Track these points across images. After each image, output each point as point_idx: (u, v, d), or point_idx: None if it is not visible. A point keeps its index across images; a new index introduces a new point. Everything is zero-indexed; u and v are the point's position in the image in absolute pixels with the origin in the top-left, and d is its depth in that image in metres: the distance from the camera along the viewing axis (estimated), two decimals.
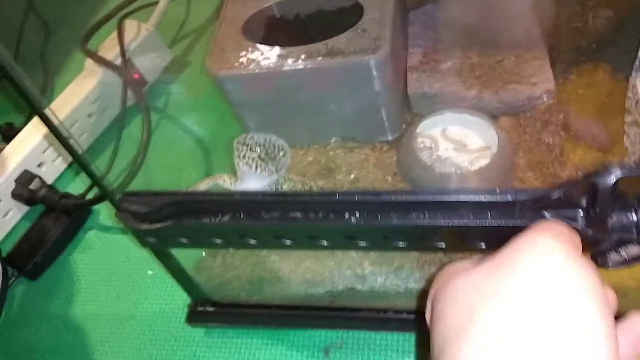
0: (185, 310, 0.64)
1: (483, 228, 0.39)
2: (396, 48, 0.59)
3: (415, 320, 0.55)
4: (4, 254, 0.72)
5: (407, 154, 0.61)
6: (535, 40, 0.65)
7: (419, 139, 0.62)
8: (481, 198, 0.38)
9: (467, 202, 0.38)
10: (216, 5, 0.87)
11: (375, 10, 0.58)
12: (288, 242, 0.44)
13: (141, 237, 0.46)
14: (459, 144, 0.62)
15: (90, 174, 0.45)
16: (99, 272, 0.72)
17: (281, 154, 0.49)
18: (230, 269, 0.57)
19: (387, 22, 0.57)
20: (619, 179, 0.35)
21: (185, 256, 0.56)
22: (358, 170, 0.62)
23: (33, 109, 0.41)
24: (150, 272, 0.70)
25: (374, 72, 0.56)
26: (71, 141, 0.44)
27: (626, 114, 0.53)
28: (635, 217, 0.38)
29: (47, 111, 0.43)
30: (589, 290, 0.30)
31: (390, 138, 0.64)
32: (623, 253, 0.40)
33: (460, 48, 0.66)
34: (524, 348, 0.28)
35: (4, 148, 0.79)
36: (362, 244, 0.43)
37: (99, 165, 0.78)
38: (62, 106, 0.78)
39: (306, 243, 0.44)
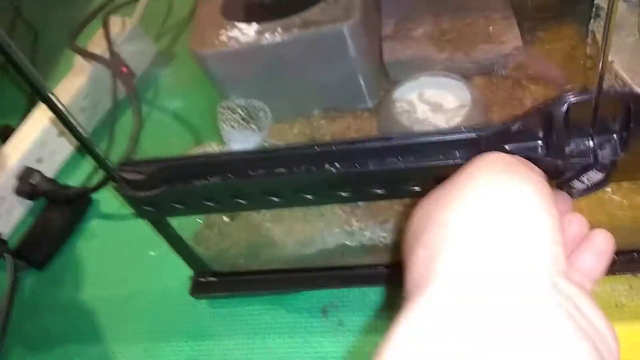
0: (188, 284, 0.67)
1: (453, 167, 0.42)
2: (368, 16, 0.62)
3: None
4: (12, 248, 0.75)
5: (387, 119, 0.64)
6: (502, 2, 0.68)
7: (398, 104, 0.65)
8: (447, 137, 0.41)
9: (435, 142, 0.41)
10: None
11: None
12: (276, 199, 0.47)
13: (138, 206, 0.49)
14: (435, 106, 0.64)
15: (94, 154, 0.47)
16: (103, 258, 0.75)
17: (261, 113, 0.52)
18: (227, 237, 0.61)
19: None
20: (571, 105, 0.39)
21: (184, 228, 0.59)
22: (342, 138, 0.65)
23: (37, 93, 0.44)
24: (152, 253, 0.73)
25: (348, 40, 0.59)
26: (74, 123, 0.47)
27: (587, 59, 0.56)
28: (592, 143, 0.41)
29: (50, 95, 0.45)
30: (536, 190, 0.33)
31: (370, 105, 0.67)
32: (585, 180, 0.43)
33: (431, 15, 0.69)
34: (476, 241, 0.31)
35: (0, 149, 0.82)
36: (344, 194, 0.46)
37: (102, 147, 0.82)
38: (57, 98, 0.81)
39: (293, 198, 0.47)
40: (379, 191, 0.45)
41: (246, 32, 0.61)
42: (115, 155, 0.77)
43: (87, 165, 0.83)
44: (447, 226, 0.32)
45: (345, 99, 0.66)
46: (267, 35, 0.60)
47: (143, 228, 0.74)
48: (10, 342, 0.71)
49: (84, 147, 0.47)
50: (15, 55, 0.41)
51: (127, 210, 0.77)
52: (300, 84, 0.64)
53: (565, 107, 0.38)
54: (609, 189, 0.55)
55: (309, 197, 0.47)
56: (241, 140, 0.52)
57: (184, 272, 0.69)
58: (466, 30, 0.67)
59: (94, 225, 0.78)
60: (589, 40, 0.55)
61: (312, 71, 0.63)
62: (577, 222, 0.38)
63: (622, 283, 0.56)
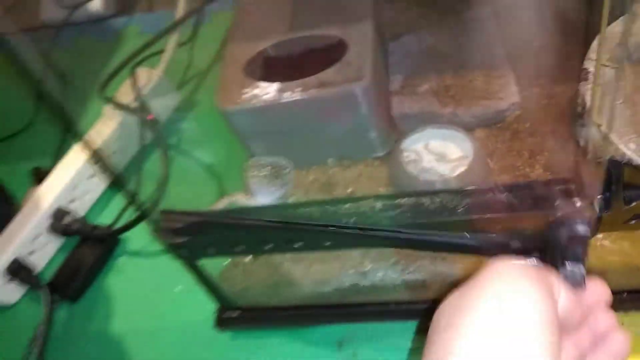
0: (212, 318, 0.72)
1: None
2: (378, 76, 0.69)
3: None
4: (46, 282, 0.81)
5: (396, 167, 0.70)
6: (500, 61, 0.75)
7: (405, 154, 0.71)
8: (453, 240, 0.47)
9: (439, 242, 0.48)
10: (215, 50, 0.97)
11: (357, 45, 0.68)
12: (296, 246, 0.53)
13: (175, 250, 0.54)
14: (440, 155, 0.70)
15: (129, 193, 0.53)
16: (131, 293, 0.80)
17: (286, 171, 0.58)
18: (250, 275, 0.66)
19: (368, 54, 0.67)
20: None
21: (211, 267, 0.64)
22: (354, 184, 0.71)
23: (76, 134, 0.50)
24: (178, 289, 0.78)
25: (360, 98, 0.65)
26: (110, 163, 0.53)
27: (578, 118, 0.62)
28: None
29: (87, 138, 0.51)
30: (537, 310, 0.37)
31: (381, 154, 0.73)
32: None
33: (435, 72, 0.76)
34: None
35: (34, 191, 0.89)
36: (355, 247, 0.52)
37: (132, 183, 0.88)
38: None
39: (313, 245, 0.53)
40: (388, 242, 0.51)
41: (267, 90, 0.67)
42: (143, 194, 0.84)
43: (116, 205, 0.89)
44: (454, 345, 0.37)
45: (358, 148, 0.73)
46: (286, 93, 0.66)
47: (169, 265, 0.80)
48: None
49: (126, 192, 0.53)
50: (56, 101, 0.47)
51: (154, 248, 0.84)
52: (316, 137, 0.70)
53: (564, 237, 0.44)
54: (600, 235, 0.60)
55: (327, 244, 0.52)
56: (266, 194, 0.58)
57: (207, 307, 0.75)
58: (468, 87, 0.73)
59: (122, 261, 0.84)
60: (579, 100, 0.62)
61: (327, 126, 0.69)
62: (603, 318, 0.43)
63: None
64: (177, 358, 0.72)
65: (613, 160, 0.44)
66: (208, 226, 0.52)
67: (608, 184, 0.45)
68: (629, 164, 0.46)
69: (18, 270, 0.81)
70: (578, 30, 0.67)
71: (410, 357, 0.64)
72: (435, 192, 0.49)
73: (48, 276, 0.83)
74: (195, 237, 0.53)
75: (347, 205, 0.51)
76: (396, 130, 0.75)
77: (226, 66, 0.72)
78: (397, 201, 0.50)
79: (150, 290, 0.80)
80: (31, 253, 0.84)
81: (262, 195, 0.58)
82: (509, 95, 0.71)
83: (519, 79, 0.73)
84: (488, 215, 0.48)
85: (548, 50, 0.73)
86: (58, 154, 0.97)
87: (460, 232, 0.49)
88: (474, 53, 0.76)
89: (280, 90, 0.67)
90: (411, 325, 0.66)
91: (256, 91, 0.68)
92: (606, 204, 0.45)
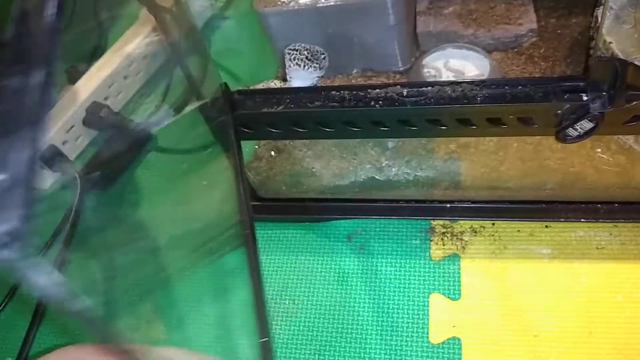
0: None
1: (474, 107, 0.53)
2: None
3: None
4: (78, 170, 0.86)
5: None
6: None
7: (426, 69, 0.76)
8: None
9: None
10: None
11: None
12: (327, 129, 0.59)
13: (222, 126, 0.60)
14: (458, 73, 0.75)
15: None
16: (159, 184, 0.86)
17: (322, 56, 0.63)
18: (273, 167, 0.72)
19: None
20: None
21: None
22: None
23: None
24: (204, 183, 0.84)
25: (390, 8, 0.70)
26: None
27: (590, 41, 0.67)
28: (585, 97, 0.52)
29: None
30: None
31: (401, 69, 0.78)
32: (579, 128, 0.54)
33: None
34: None
35: (70, 89, 0.93)
36: (384, 129, 0.57)
37: (157, 95, 0.93)
38: (122, 47, 0.93)
39: (342, 130, 0.58)
40: (413, 128, 0.56)
41: None
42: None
43: (148, 105, 0.94)
44: None
45: (381, 61, 0.78)
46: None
47: (196, 161, 0.86)
48: (74, 250, 0.82)
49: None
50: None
51: (183, 145, 0.89)
52: (344, 44, 0.75)
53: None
54: (599, 150, 0.66)
55: (356, 129, 0.58)
56: (303, 77, 0.63)
57: (227, 201, 0.81)
58: (490, 12, 0.78)
59: (151, 156, 0.89)
60: (592, 23, 0.66)
61: (356, 34, 0.74)
62: None
63: (604, 230, 0.67)
64: (199, 241, 0.78)
65: (620, 59, 0.49)
66: (271, 100, 0.57)
67: (613, 81, 0.50)
68: (634, 63, 0.51)
69: (53, 157, 0.86)
70: None
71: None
72: (457, 82, 0.54)
73: (79, 166, 0.89)
74: (248, 114, 0.58)
75: (376, 91, 0.56)
76: (418, 48, 0.80)
77: None
78: (422, 89, 0.55)
79: (178, 183, 0.85)
80: (64, 143, 0.89)
81: (298, 79, 0.63)
82: (528, 22, 0.76)
83: (537, 9, 0.78)
84: (504, 105, 0.53)
85: None
86: (93, 55, 1.01)
87: (477, 121, 0.55)
88: None
89: None
90: (417, 223, 0.72)
91: None
92: (610, 100, 0.50)
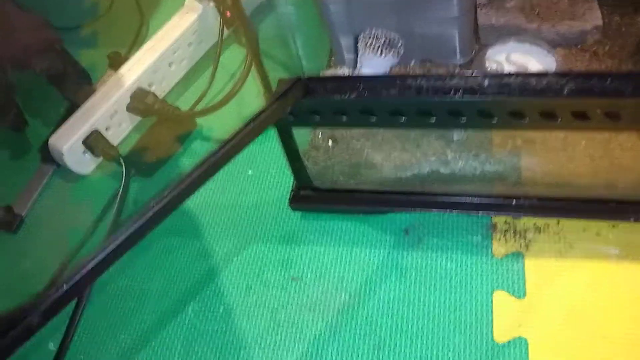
0: (282, 200, 0.77)
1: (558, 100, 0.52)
2: None
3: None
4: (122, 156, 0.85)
5: None
6: None
7: (487, 63, 0.74)
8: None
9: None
10: None
11: None
12: (402, 118, 0.57)
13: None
14: (521, 67, 0.74)
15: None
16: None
17: (399, 44, 0.61)
18: (331, 157, 0.70)
19: None
20: None
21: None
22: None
23: None
24: (250, 172, 0.82)
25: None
26: None
27: None
28: None
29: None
30: None
31: (460, 62, 0.76)
32: None
33: None
34: None
35: (112, 74, 0.92)
36: (463, 119, 0.56)
37: (200, 84, 0.91)
38: (167, 34, 0.91)
39: (415, 120, 0.57)
40: (493, 120, 0.55)
41: None
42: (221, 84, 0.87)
43: (192, 93, 0.92)
44: None
45: (440, 53, 0.76)
46: None
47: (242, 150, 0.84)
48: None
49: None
50: None
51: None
52: (404, 34, 0.73)
53: None
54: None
55: (432, 119, 0.56)
56: (376, 65, 0.61)
57: (278, 190, 0.79)
58: (554, 7, 0.76)
59: (196, 145, 0.88)
60: None
61: (417, 24, 0.72)
62: None
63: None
64: (247, 231, 0.77)
65: None
66: (317, 89, 0.55)
67: None
68: None
69: (96, 141, 0.85)
70: None
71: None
72: (542, 74, 0.52)
73: (122, 152, 0.88)
74: (307, 99, 0.57)
75: (455, 80, 0.54)
76: (478, 41, 0.78)
77: None
78: (504, 80, 0.53)
79: (223, 172, 0.83)
80: (108, 129, 0.87)
81: (369, 67, 0.61)
82: (593, 18, 0.74)
83: (601, 6, 0.76)
84: (593, 99, 0.51)
85: None
86: (135, 42, 1.00)
87: (561, 114, 0.53)
88: None
89: None
90: (477, 219, 0.70)
91: None
92: None
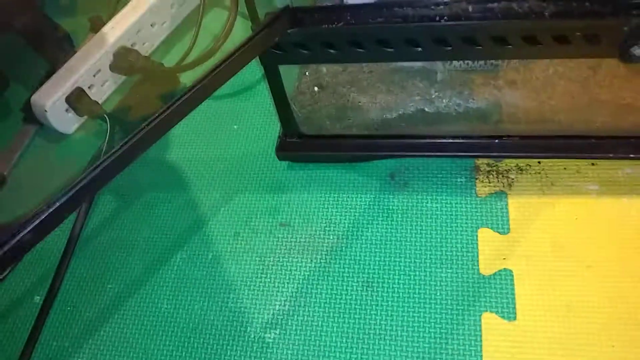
0: (268, 151, 0.77)
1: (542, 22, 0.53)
2: None
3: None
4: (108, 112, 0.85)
5: None
6: None
7: None
8: None
9: None
10: None
11: None
12: (389, 49, 0.58)
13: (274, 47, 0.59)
14: None
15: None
16: (189, 127, 0.84)
17: None
18: (317, 100, 0.71)
19: None
20: None
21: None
22: None
23: None
24: (235, 127, 0.83)
25: None
26: None
27: None
28: None
29: None
30: None
31: None
32: None
33: None
34: None
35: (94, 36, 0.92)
36: (448, 48, 0.57)
37: (182, 46, 0.90)
38: None
39: (403, 50, 0.58)
40: (478, 47, 0.56)
41: None
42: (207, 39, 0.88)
43: (175, 53, 0.92)
44: None
45: None
46: None
47: (226, 107, 0.85)
48: (101, 192, 0.80)
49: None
50: None
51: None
52: None
53: None
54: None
55: (418, 49, 0.57)
56: None
57: (265, 142, 0.80)
58: None
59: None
60: None
61: None
62: None
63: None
64: (234, 181, 0.77)
65: None
66: (307, 19, 0.56)
67: None
68: None
69: (79, 98, 0.84)
70: None
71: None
72: None
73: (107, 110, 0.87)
74: (295, 29, 0.57)
75: (440, 7, 0.55)
76: None
77: None
78: (488, 5, 0.54)
79: (208, 127, 0.84)
80: (91, 87, 0.87)
81: None
82: None
83: None
84: (572, 20, 0.53)
85: None
86: (117, 7, 1.00)
87: (543, 38, 0.55)
88: None
89: None
90: (461, 162, 0.72)
91: None
92: None
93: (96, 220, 0.78)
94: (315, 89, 0.72)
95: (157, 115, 0.52)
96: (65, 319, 0.70)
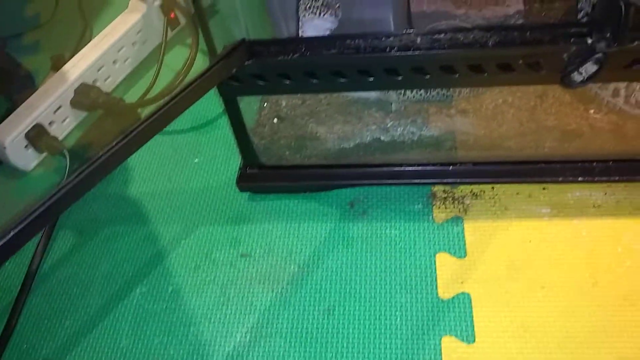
0: (229, 184, 0.78)
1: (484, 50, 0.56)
2: None
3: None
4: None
5: None
6: None
7: None
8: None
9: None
10: None
11: None
12: (343, 80, 0.60)
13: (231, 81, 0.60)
14: None
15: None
16: (150, 161, 0.85)
17: (337, 5, 0.65)
18: (277, 132, 0.72)
19: None
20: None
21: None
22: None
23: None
24: (196, 160, 0.83)
25: None
26: None
27: (579, 12, 0.71)
28: (589, 40, 0.55)
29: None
30: None
31: None
32: (583, 72, 0.57)
33: None
34: None
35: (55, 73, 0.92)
36: (399, 78, 0.59)
37: (144, 82, 0.91)
38: (111, 32, 0.92)
39: (357, 80, 0.60)
40: (427, 76, 0.58)
41: None
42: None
43: (137, 90, 0.93)
44: None
45: None
46: None
47: (187, 140, 0.86)
48: (59, 228, 0.79)
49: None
50: None
51: (172, 126, 0.88)
52: (342, 19, 0.77)
53: None
54: (592, 110, 0.69)
55: (371, 79, 0.59)
56: (316, 28, 0.64)
57: (225, 175, 0.80)
58: None
59: None
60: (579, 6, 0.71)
61: (354, 9, 0.76)
62: None
63: (599, 189, 0.69)
64: (195, 214, 0.77)
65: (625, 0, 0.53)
66: (261, 51, 0.58)
67: (617, 22, 0.53)
68: (636, 4, 0.54)
69: (39, 135, 0.84)
70: None
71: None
72: (469, 29, 0.56)
73: (67, 147, 0.87)
74: (251, 61, 0.59)
75: (390, 39, 0.58)
76: (411, 26, 0.83)
77: None
78: (435, 36, 0.57)
79: (169, 161, 0.84)
80: (51, 123, 0.87)
81: (313, 30, 0.64)
82: (515, 3, 0.80)
83: None
84: (514, 48, 0.55)
85: None
86: (79, 45, 1.01)
87: (488, 67, 0.57)
88: None
89: None
90: (418, 190, 0.73)
91: None
92: (614, 40, 0.54)
93: (54, 256, 0.77)
94: (275, 120, 0.74)
95: (114, 143, 0.52)
96: (21, 357, 0.68)
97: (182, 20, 0.99)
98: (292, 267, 0.70)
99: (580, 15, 0.71)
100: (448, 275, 0.66)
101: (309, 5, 0.64)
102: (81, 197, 0.51)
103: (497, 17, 0.80)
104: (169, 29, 0.96)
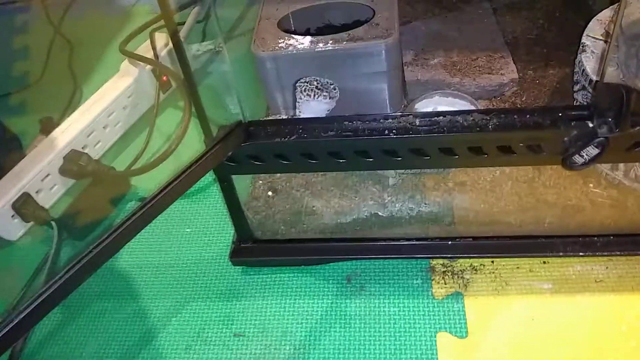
0: (222, 256, 0.76)
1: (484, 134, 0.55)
2: (399, 41, 0.76)
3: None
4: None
5: None
6: (500, 46, 0.84)
7: None
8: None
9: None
10: (230, 26, 1.04)
11: (384, 11, 0.76)
12: (341, 160, 0.59)
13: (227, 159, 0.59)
14: None
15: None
16: (140, 233, 0.82)
17: (332, 86, 0.64)
18: (271, 206, 0.71)
19: (394, 19, 0.75)
20: None
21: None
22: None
23: None
24: (188, 230, 0.81)
25: (385, 54, 0.72)
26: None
27: (574, 85, 0.71)
28: (592, 124, 0.55)
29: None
30: None
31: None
32: (585, 155, 0.56)
33: (443, 51, 0.84)
34: None
35: (42, 140, 0.90)
36: (398, 158, 0.58)
37: (135, 147, 0.90)
38: (103, 97, 0.91)
39: (354, 161, 0.59)
40: (426, 158, 0.57)
41: (302, 41, 0.74)
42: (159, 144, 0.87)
43: (127, 156, 0.91)
44: None
45: (372, 106, 0.80)
46: (319, 44, 0.73)
47: (179, 209, 0.84)
48: None
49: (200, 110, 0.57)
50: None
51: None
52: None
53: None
54: (591, 185, 0.69)
55: (369, 160, 0.58)
56: (313, 109, 0.63)
57: (218, 246, 0.78)
58: (472, 64, 0.82)
59: (131, 206, 0.86)
60: (576, 69, 0.71)
61: (350, 79, 0.76)
62: None
63: (600, 263, 0.68)
64: (187, 289, 0.75)
65: (626, 85, 0.53)
66: (283, 131, 0.57)
67: (619, 106, 0.53)
68: (638, 90, 0.54)
69: (25, 205, 0.82)
70: (563, 25, 0.78)
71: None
72: (468, 111, 0.56)
73: (54, 215, 0.85)
74: (247, 143, 0.58)
75: (389, 120, 0.57)
76: (406, 96, 0.83)
77: (261, 22, 0.78)
78: (434, 118, 0.56)
79: (159, 232, 0.82)
80: (39, 192, 0.85)
81: (309, 112, 0.63)
82: (509, 72, 0.80)
83: (515, 62, 0.83)
84: (515, 132, 0.55)
85: (542, 39, 0.83)
86: (68, 108, 0.99)
87: (488, 149, 0.56)
88: (476, 39, 0.85)
89: (314, 42, 0.73)
90: (416, 264, 0.72)
91: (291, 42, 0.74)
92: (616, 125, 0.53)
93: (40, 334, 0.74)
94: (270, 193, 0.72)
95: (109, 233, 0.50)
96: None
97: (174, 83, 0.99)
98: (287, 347, 0.67)
99: (576, 88, 0.71)
100: (450, 357, 0.64)
101: (304, 88, 0.63)
102: (73, 292, 0.48)
103: (491, 85, 0.80)
104: (160, 92, 0.95)
